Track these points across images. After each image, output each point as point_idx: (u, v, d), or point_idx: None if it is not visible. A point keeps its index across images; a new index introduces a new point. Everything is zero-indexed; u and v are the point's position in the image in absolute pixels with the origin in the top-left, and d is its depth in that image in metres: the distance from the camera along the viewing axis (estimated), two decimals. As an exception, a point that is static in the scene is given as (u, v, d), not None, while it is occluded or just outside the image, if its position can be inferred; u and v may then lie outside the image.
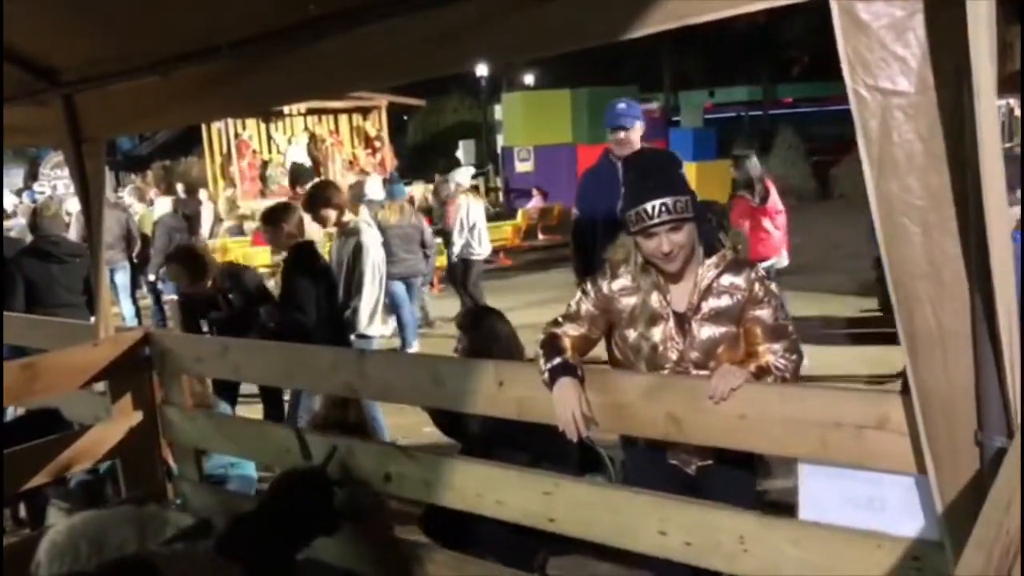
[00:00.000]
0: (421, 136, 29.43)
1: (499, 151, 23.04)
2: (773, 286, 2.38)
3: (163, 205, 10.78)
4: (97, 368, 3.43)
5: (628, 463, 2.65)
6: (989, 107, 1.39)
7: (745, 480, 2.50)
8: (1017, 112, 15.14)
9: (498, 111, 24.37)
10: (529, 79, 27.89)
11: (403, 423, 4.71)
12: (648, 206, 2.25)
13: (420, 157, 26.58)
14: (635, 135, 4.59)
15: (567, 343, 2.43)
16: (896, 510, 1.91)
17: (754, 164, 6.36)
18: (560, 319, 2.51)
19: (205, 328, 4.69)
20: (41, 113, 3.33)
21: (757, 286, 2.35)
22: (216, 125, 16.10)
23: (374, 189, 11.08)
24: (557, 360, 2.34)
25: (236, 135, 16.59)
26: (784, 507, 2.48)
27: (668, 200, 2.24)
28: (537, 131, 20.43)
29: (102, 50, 2.93)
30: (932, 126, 1.53)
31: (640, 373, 2.35)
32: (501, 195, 20.76)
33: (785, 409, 2.04)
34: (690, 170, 19.80)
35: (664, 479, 2.45)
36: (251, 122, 16.68)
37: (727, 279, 2.35)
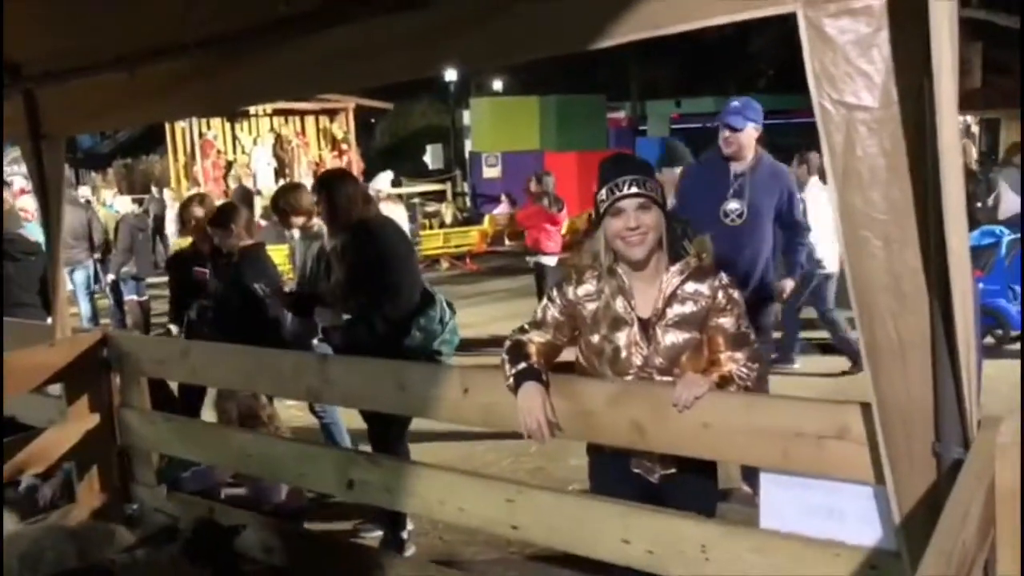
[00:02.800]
0: (388, 139, 29.32)
1: (467, 156, 23.04)
2: (736, 294, 2.40)
3: (122, 204, 10.60)
4: (53, 370, 3.36)
5: (592, 470, 2.66)
6: (950, 122, 1.42)
7: (708, 490, 2.51)
8: (974, 129, 15.51)
9: (467, 116, 24.38)
10: (498, 85, 27.93)
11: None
12: (620, 180, 2.30)
13: (387, 160, 26.43)
14: (746, 138, 4.06)
15: (532, 349, 2.44)
16: (855, 520, 1.93)
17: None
18: (526, 326, 2.51)
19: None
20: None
21: (720, 294, 2.36)
22: (180, 124, 15.87)
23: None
24: (522, 365, 2.35)
25: (200, 134, 16.37)
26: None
27: (639, 177, 2.30)
28: (505, 137, 20.48)
29: (65, 45, 2.87)
30: (895, 141, 1.56)
31: (605, 381, 2.35)
32: (468, 200, 20.75)
33: (748, 418, 2.06)
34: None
35: (627, 487, 2.46)
36: (216, 122, 16.47)
37: (691, 286, 2.37)
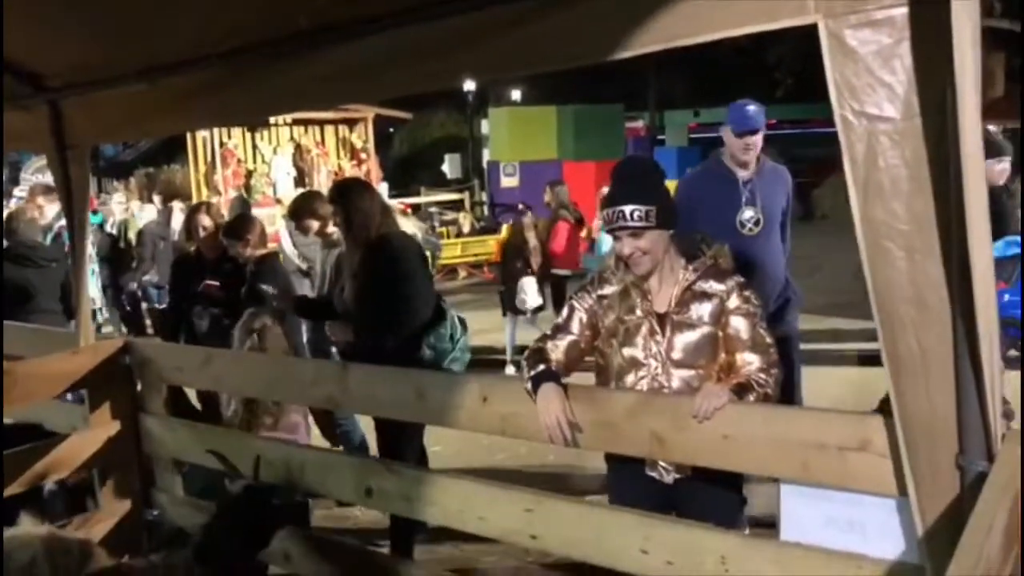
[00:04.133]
0: (407, 149, 29.43)
1: (484, 165, 23.09)
2: (753, 297, 2.43)
3: (148, 212, 10.71)
4: (76, 376, 3.39)
5: (610, 476, 2.68)
6: (973, 133, 1.42)
7: (728, 498, 2.50)
8: (999, 138, 15.35)
9: (484, 126, 24.45)
10: (516, 95, 27.99)
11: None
12: (610, 211, 2.39)
13: (405, 170, 26.57)
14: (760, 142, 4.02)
15: (552, 355, 2.46)
16: (877, 532, 1.91)
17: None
18: (548, 333, 2.55)
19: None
20: (26, 118, 3.31)
21: (735, 295, 2.40)
22: (201, 133, 15.98)
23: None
24: (540, 367, 2.39)
25: (221, 144, 16.48)
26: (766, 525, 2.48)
27: (626, 208, 2.34)
28: (523, 147, 20.51)
29: (89, 57, 2.92)
30: (917, 152, 1.55)
31: (625, 392, 2.35)
32: (486, 209, 20.78)
33: (769, 430, 2.05)
34: (673, 188, 19.93)
35: (642, 491, 2.49)
36: (236, 131, 16.56)
37: (707, 284, 2.42)
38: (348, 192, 3.69)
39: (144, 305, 9.96)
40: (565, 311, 2.58)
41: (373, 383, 2.86)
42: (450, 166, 25.18)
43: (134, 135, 11.54)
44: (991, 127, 15.17)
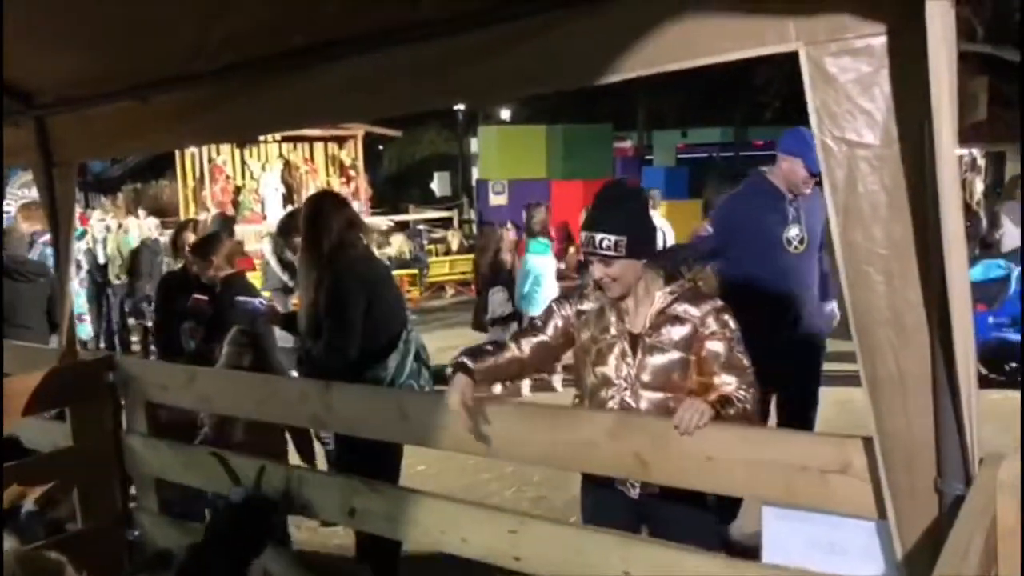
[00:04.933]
0: (396, 166, 29.52)
1: (474, 184, 23.16)
2: (731, 321, 2.44)
3: (139, 228, 10.67)
4: (59, 393, 3.37)
5: (582, 491, 2.72)
6: (950, 161, 1.44)
7: (698, 516, 2.49)
8: (980, 162, 15.55)
9: (474, 144, 24.55)
10: (506, 114, 28.13)
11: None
12: (585, 235, 2.46)
13: (394, 187, 26.63)
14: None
15: (508, 350, 2.56)
16: (858, 555, 1.92)
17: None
18: (523, 329, 2.70)
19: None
20: (14, 134, 3.30)
21: (712, 318, 2.42)
22: (190, 149, 15.98)
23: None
24: (462, 360, 2.49)
25: (210, 160, 16.49)
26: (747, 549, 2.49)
27: (597, 236, 2.40)
28: (512, 165, 20.57)
29: (78, 73, 2.92)
30: (896, 178, 1.58)
31: (607, 412, 2.36)
32: (475, 227, 20.83)
33: (751, 452, 2.05)
34: (661, 208, 20.06)
35: (612, 506, 2.55)
36: (225, 147, 16.58)
37: (682, 307, 2.45)
38: (319, 207, 3.60)
39: (132, 320, 9.93)
40: (544, 313, 2.66)
41: (356, 403, 2.86)
42: (439, 184, 25.25)
43: (123, 152, 11.51)
44: (975, 150, 15.32)
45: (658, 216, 7.73)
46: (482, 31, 2.02)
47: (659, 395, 2.43)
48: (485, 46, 2.05)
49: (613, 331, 2.49)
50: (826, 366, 4.19)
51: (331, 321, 3.39)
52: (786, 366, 3.84)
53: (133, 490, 3.66)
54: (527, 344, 2.59)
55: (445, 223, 20.01)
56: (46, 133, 3.28)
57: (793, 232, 3.86)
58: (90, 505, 3.48)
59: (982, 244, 8.25)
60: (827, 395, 4.22)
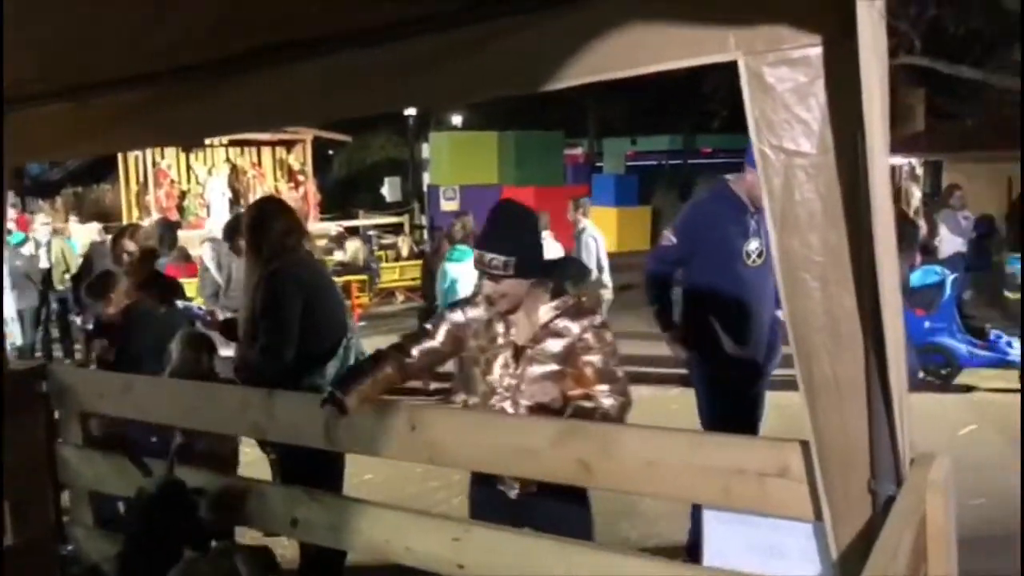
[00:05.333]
0: (346, 171, 29.26)
1: (425, 189, 23.07)
2: (608, 335, 2.61)
3: (86, 233, 10.41)
4: (-12, 403, 3.25)
5: (470, 491, 2.86)
6: (882, 170, 1.48)
7: (576, 513, 2.63)
8: (919, 170, 16.03)
9: (425, 149, 24.46)
10: (457, 120, 28.11)
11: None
12: (476, 253, 2.61)
13: (344, 192, 26.39)
14: None
15: (372, 369, 2.61)
16: (797, 556, 1.95)
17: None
18: (411, 334, 2.75)
19: None
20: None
21: (590, 334, 2.56)
22: (133, 152, 15.65)
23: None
24: (330, 391, 2.57)
25: (154, 164, 16.15)
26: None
27: (487, 255, 2.53)
28: (464, 171, 20.59)
29: (10, 75, 2.82)
30: (831, 186, 1.61)
31: (552, 419, 2.37)
32: (425, 233, 20.75)
33: (691, 456, 2.07)
34: (611, 215, 20.25)
35: (495, 505, 2.67)
36: (170, 151, 16.26)
37: (563, 322, 2.58)
38: (262, 213, 3.56)
39: (78, 322, 9.65)
40: (435, 319, 2.78)
41: (299, 410, 2.81)
42: (390, 189, 25.09)
43: (60, 155, 11.21)
44: (913, 159, 15.75)
45: (589, 223, 7.82)
46: (430, 38, 2.01)
47: (536, 404, 2.57)
48: (430, 54, 2.03)
49: (500, 341, 2.63)
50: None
51: (265, 323, 3.35)
52: (739, 375, 3.90)
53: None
54: (417, 349, 2.69)
55: (396, 229, 19.89)
56: (-23, 135, 3.17)
57: (753, 246, 3.87)
58: (22, 519, 3.36)
59: (923, 251, 8.50)
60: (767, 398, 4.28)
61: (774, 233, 1.66)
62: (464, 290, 7.37)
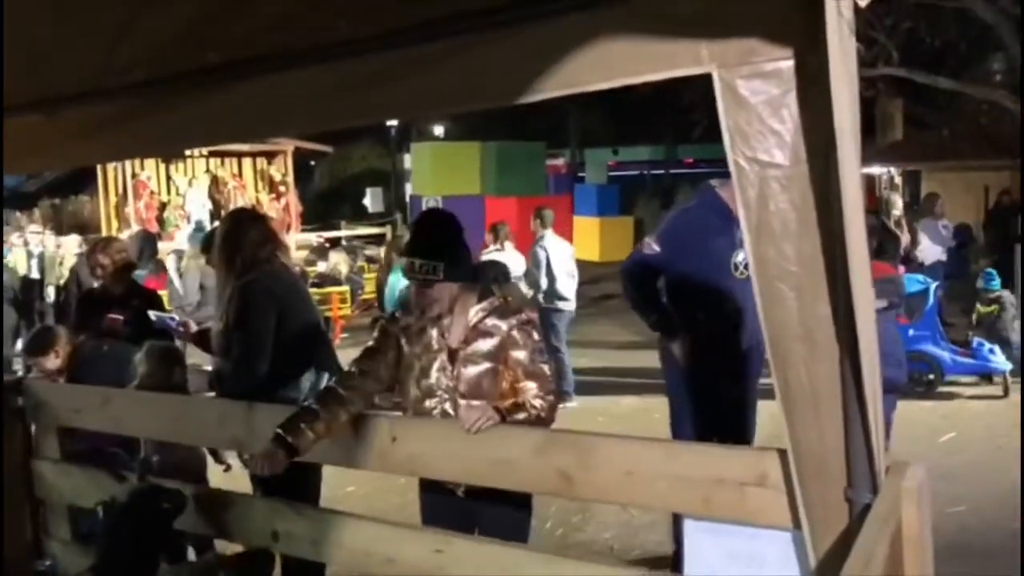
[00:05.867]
0: (328, 182, 29.17)
1: (407, 200, 23.06)
2: (535, 333, 2.70)
3: (66, 244, 10.33)
4: (-37, 419, 3.22)
5: (420, 500, 2.86)
6: (853, 181, 1.49)
7: (515, 516, 2.72)
8: (897, 180, 16.20)
9: (407, 160, 24.45)
10: (439, 130, 28.15)
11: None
12: (405, 260, 2.67)
13: (326, 203, 26.30)
14: None
15: (326, 412, 2.59)
16: (775, 565, 1.96)
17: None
18: (361, 360, 2.74)
19: None
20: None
21: (516, 331, 2.65)
22: (112, 164, 15.53)
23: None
24: (278, 431, 2.56)
25: (133, 175, 16.02)
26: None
27: (416, 261, 2.60)
28: (446, 181, 20.58)
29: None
30: (804, 196, 1.62)
31: (531, 430, 2.37)
32: (408, 244, 20.70)
33: (670, 466, 2.08)
34: (593, 225, 20.32)
35: (442, 506, 2.73)
36: (150, 162, 16.13)
37: (491, 321, 2.66)
38: (238, 222, 3.52)
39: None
40: (379, 335, 2.80)
41: (279, 423, 2.80)
42: (372, 200, 25.04)
43: (29, 169, 11.11)
44: (892, 169, 15.83)
45: (549, 234, 7.82)
46: (406, 50, 2.01)
47: (474, 403, 2.60)
48: (409, 65, 2.04)
49: (435, 346, 2.69)
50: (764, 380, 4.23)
51: (238, 335, 3.32)
52: (727, 387, 3.87)
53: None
54: (376, 369, 2.74)
55: (378, 240, 19.85)
56: (-51, 147, 3.14)
57: (740, 257, 3.73)
58: (-2, 535, 3.32)
59: (904, 260, 8.57)
60: (765, 408, 4.28)
61: (749, 243, 1.68)
62: None
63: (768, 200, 1.65)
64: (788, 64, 1.59)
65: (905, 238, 9.29)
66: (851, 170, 1.48)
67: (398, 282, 7.63)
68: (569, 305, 7.59)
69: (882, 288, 3.92)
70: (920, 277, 7.72)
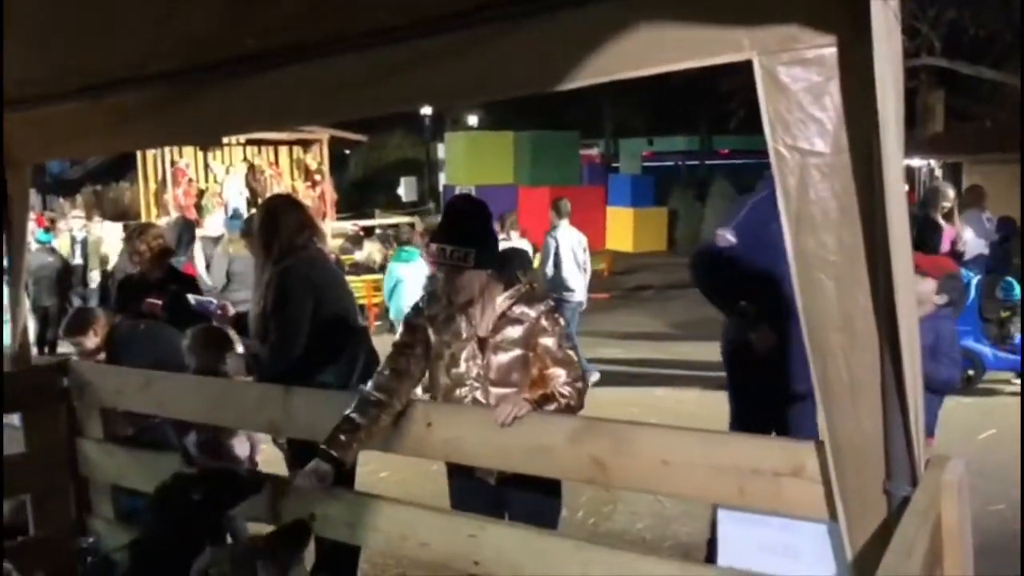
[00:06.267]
0: (363, 171, 29.36)
1: (440, 189, 23.14)
2: (561, 319, 2.71)
3: (112, 231, 10.54)
4: (11, 399, 3.30)
5: (449, 482, 2.89)
6: (896, 169, 1.48)
7: (546, 503, 2.74)
8: (938, 172, 15.91)
9: (440, 149, 24.52)
10: (473, 120, 28.15)
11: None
12: (434, 247, 2.65)
13: (360, 192, 26.49)
14: None
15: (365, 420, 2.59)
16: (810, 557, 1.95)
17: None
18: (393, 364, 2.72)
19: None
20: (-35, 134, 3.23)
21: (544, 318, 2.65)
22: (151, 151, 15.75)
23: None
24: (323, 447, 2.59)
25: (172, 162, 16.26)
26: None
27: (447, 247, 2.59)
28: (479, 171, 20.61)
29: (32, 72, 2.86)
30: (846, 185, 1.61)
31: (566, 416, 2.38)
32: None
33: (706, 455, 2.08)
34: (627, 216, 20.23)
35: (474, 493, 2.75)
36: (188, 150, 16.35)
37: (519, 309, 2.66)
38: (276, 209, 3.57)
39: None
40: (407, 330, 2.80)
41: (316, 408, 2.84)
42: (405, 189, 25.19)
43: (77, 153, 11.33)
44: (932, 161, 15.52)
45: (564, 225, 7.78)
46: (438, 38, 2.02)
47: (505, 390, 2.62)
48: (442, 52, 2.05)
49: (464, 335, 2.68)
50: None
51: (275, 321, 3.36)
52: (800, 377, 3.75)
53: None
54: (416, 367, 2.73)
55: (411, 229, 19.93)
56: None
57: None
58: (44, 512, 3.42)
59: (952, 253, 8.39)
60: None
61: (789, 232, 1.66)
62: (410, 290, 7.41)
63: (808, 189, 1.63)
64: (831, 51, 1.57)
65: (951, 230, 9.08)
66: (894, 160, 1.46)
67: (396, 272, 7.71)
68: (575, 296, 7.57)
69: (945, 285, 3.83)
70: (963, 271, 7.57)
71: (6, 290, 3.48)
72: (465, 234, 2.62)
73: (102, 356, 4.10)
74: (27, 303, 4.23)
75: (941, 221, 8.60)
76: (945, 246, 8.38)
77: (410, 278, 7.54)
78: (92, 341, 4.12)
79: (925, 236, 7.91)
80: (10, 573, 2.49)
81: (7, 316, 3.51)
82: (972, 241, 9.73)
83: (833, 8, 1.53)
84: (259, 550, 2.41)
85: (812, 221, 1.64)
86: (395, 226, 19.61)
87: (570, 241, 7.63)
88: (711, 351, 4.35)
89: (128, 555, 2.45)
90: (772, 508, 1.97)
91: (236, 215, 11.81)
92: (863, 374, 1.66)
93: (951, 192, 9.12)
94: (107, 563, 2.66)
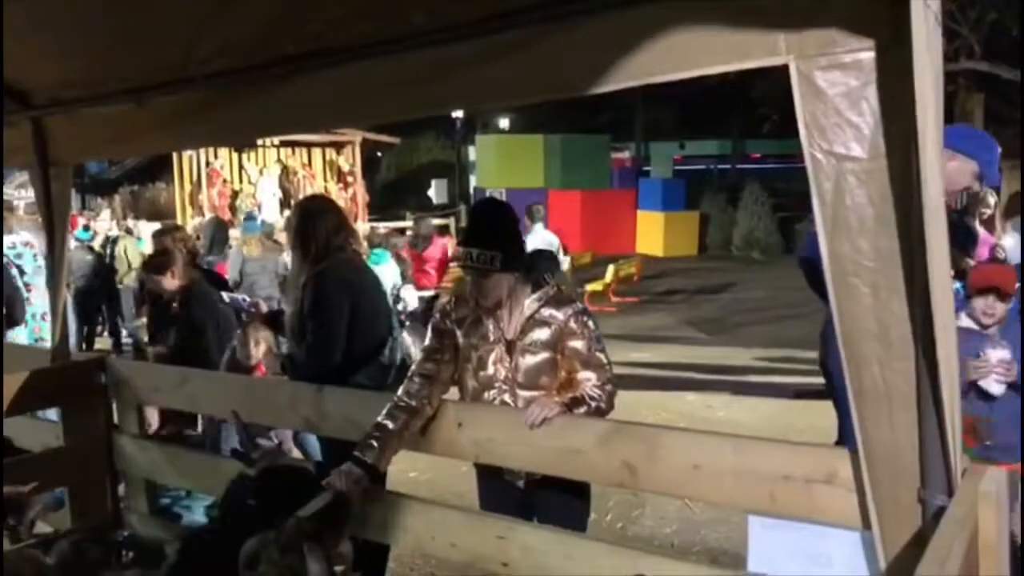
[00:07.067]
0: (394, 173, 29.52)
1: (471, 192, 23.19)
2: (590, 322, 2.69)
3: (149, 231, 10.70)
4: (51, 393, 3.37)
5: (478, 483, 2.90)
6: (935, 176, 1.46)
7: (575, 506, 2.74)
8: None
9: (472, 152, 24.58)
10: (504, 123, 28.20)
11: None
12: (462, 250, 2.67)
13: (392, 194, 26.64)
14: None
15: (397, 426, 2.59)
16: (842, 565, 1.93)
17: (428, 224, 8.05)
18: (422, 369, 2.71)
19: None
20: (10, 134, 3.31)
21: (573, 320, 2.65)
22: (187, 152, 15.99)
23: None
24: (366, 452, 2.57)
25: (207, 163, 16.50)
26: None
27: (474, 251, 2.60)
28: (510, 174, 20.63)
29: (75, 74, 2.93)
30: (883, 191, 1.59)
31: (596, 420, 2.38)
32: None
33: (737, 461, 2.07)
34: (658, 219, 20.13)
35: (502, 495, 2.75)
36: (223, 151, 16.60)
37: (547, 311, 2.66)
38: (310, 211, 3.58)
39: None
40: (434, 335, 2.79)
41: (349, 406, 2.87)
42: (436, 191, 25.28)
43: (118, 153, 11.51)
44: (970, 166, 15.04)
45: (539, 228, 8.55)
46: (474, 41, 2.04)
47: (533, 393, 2.62)
48: (477, 56, 2.06)
49: (491, 338, 2.70)
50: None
51: (313, 324, 3.38)
52: None
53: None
54: (445, 371, 2.73)
55: (442, 231, 20.02)
56: (42, 134, 3.29)
57: None
58: (80, 505, 3.48)
59: (991, 260, 8.24)
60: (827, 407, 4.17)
61: (824, 237, 1.65)
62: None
63: (845, 194, 1.62)
64: (869, 55, 1.56)
65: (989, 238, 8.91)
66: (933, 167, 1.44)
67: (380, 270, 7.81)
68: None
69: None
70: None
71: (45, 286, 3.57)
72: (491, 237, 2.63)
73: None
74: (68, 299, 4.34)
75: (980, 228, 8.43)
76: (984, 253, 8.21)
77: (381, 277, 7.70)
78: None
79: (958, 242, 7.77)
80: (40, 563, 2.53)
81: (48, 312, 3.59)
82: (1013, 248, 9.52)
83: (872, 12, 1.52)
84: (306, 533, 2.41)
85: (848, 226, 1.62)
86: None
87: (541, 245, 7.96)
88: (741, 356, 4.34)
89: (178, 547, 2.47)
90: (804, 515, 1.95)
91: (251, 217, 11.96)
92: (898, 382, 1.64)
93: (991, 199, 8.95)
94: (158, 554, 2.69)
